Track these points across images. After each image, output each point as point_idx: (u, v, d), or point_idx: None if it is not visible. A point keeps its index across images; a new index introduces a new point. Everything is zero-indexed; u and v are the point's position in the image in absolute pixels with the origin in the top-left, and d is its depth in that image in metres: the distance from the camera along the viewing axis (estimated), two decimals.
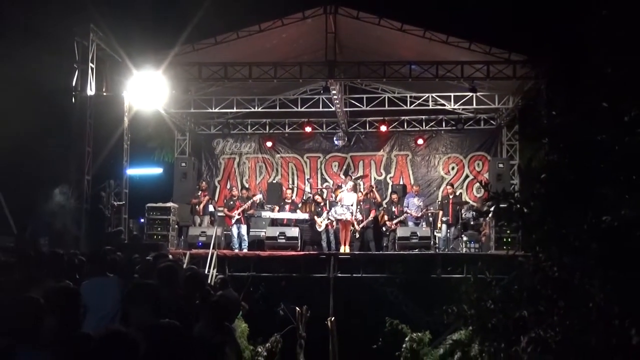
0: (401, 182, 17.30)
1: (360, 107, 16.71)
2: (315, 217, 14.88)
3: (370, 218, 14.75)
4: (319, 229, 14.75)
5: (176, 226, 14.39)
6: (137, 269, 6.82)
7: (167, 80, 13.54)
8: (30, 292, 3.77)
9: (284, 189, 16.90)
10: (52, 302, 3.69)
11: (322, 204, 15.23)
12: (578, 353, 4.98)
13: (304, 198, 16.64)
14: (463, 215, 14.62)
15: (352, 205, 13.86)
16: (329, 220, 14.37)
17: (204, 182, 16.55)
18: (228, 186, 17.68)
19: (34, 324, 3.40)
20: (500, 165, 15.79)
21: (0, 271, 6.15)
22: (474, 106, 16.27)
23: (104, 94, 13.34)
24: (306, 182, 17.62)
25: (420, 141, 17.74)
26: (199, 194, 15.38)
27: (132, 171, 15.42)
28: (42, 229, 11.83)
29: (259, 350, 11.65)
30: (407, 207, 15.12)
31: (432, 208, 15.62)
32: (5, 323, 3.38)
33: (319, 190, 16.86)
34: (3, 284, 5.40)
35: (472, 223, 14.52)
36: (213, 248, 13.16)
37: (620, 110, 4.89)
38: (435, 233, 14.53)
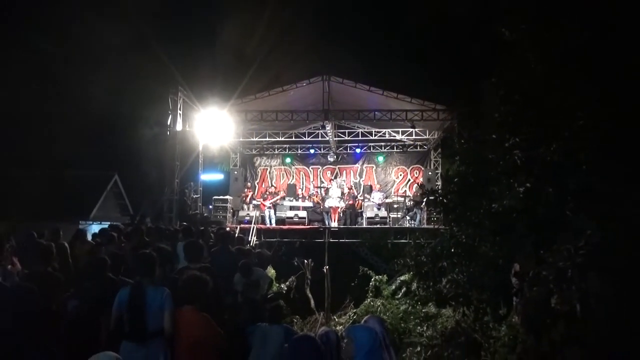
0: (369, 184, 17.23)
1: (344, 137, 16.70)
2: (323, 201, 14.70)
3: (347, 204, 14.67)
4: (325, 208, 14.49)
5: (231, 210, 14.33)
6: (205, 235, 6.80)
7: (225, 121, 13.53)
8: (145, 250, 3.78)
9: (297, 188, 16.85)
10: (160, 257, 3.71)
11: (325, 195, 15.07)
12: (477, 289, 5.00)
13: (309, 193, 16.60)
14: (407, 204, 14.59)
15: (337, 196, 13.90)
16: (328, 207, 14.30)
17: (248, 183, 16.44)
18: (263, 186, 17.60)
19: (152, 269, 3.44)
20: (430, 173, 15.75)
21: (125, 239, 6.18)
22: (414, 137, 16.19)
23: (187, 129, 13.30)
24: (310, 183, 17.62)
25: (380, 158, 17.71)
26: (245, 190, 15.28)
27: (204, 177, 15.38)
28: (148, 212, 11.85)
29: (282, 286, 11.59)
30: (373, 198, 15.05)
31: (388, 199, 15.58)
32: (137, 268, 3.43)
33: (319, 188, 16.85)
34: (131, 245, 5.44)
35: (412, 208, 14.49)
36: (254, 224, 13.15)
37: (503, 140, 4.91)
38: (390, 215, 14.49)
